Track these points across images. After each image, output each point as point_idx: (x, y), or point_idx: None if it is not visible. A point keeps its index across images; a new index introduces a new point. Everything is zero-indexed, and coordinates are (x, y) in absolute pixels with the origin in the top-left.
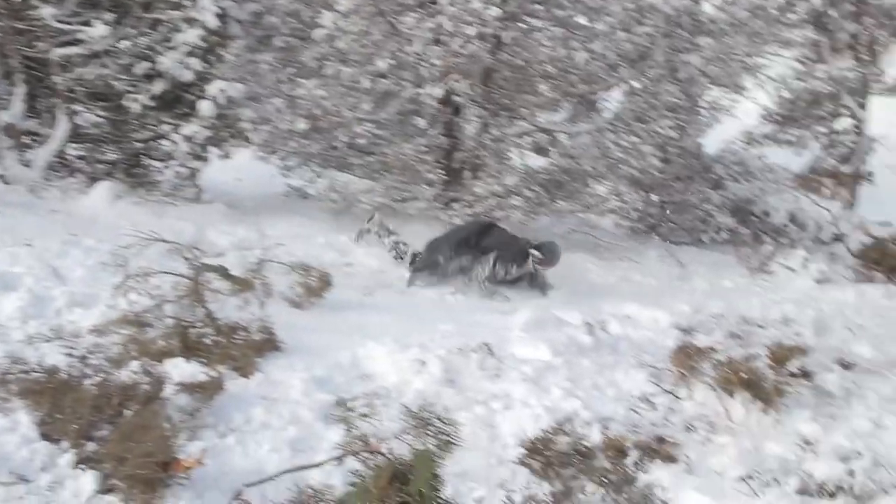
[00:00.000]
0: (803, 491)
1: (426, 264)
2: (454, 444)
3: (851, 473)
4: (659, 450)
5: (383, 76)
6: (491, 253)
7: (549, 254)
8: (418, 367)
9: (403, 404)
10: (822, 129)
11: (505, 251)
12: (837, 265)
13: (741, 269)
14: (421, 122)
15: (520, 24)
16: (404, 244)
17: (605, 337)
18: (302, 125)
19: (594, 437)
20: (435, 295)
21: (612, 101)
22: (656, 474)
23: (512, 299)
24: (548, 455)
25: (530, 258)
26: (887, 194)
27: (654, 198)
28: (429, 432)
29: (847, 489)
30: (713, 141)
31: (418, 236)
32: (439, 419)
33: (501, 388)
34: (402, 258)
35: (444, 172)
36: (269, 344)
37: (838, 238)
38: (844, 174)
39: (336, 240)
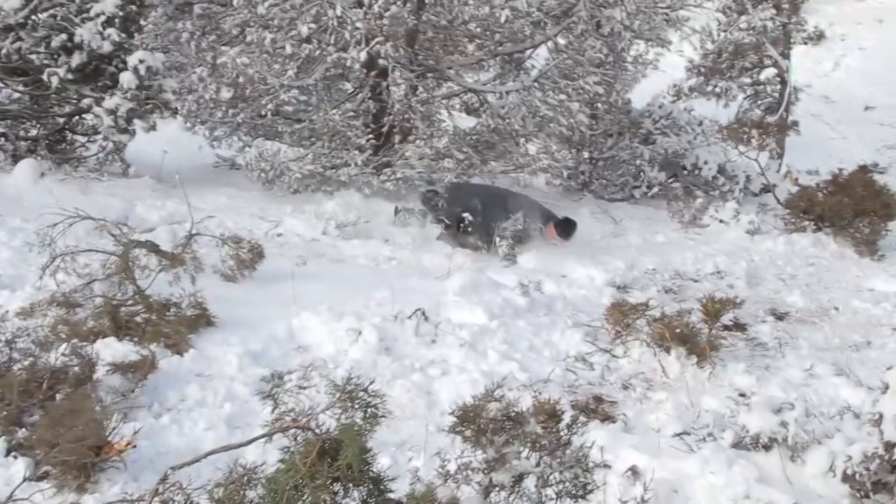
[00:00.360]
0: (738, 444)
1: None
2: (381, 416)
3: (784, 425)
4: (597, 409)
5: (307, 41)
6: (518, 212)
7: (567, 230)
8: (354, 337)
9: (330, 378)
10: (747, 81)
11: (531, 213)
12: (768, 216)
13: (674, 223)
14: (348, 87)
15: None
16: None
17: (540, 297)
18: (227, 94)
19: (526, 401)
20: (369, 261)
21: (539, 58)
22: (594, 434)
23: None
24: (479, 423)
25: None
26: (814, 142)
27: (585, 155)
28: (356, 405)
29: (781, 441)
30: (641, 96)
31: (351, 206)
32: (365, 391)
33: (438, 353)
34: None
35: (373, 137)
36: (202, 319)
37: (767, 188)
38: (771, 124)
39: (267, 209)
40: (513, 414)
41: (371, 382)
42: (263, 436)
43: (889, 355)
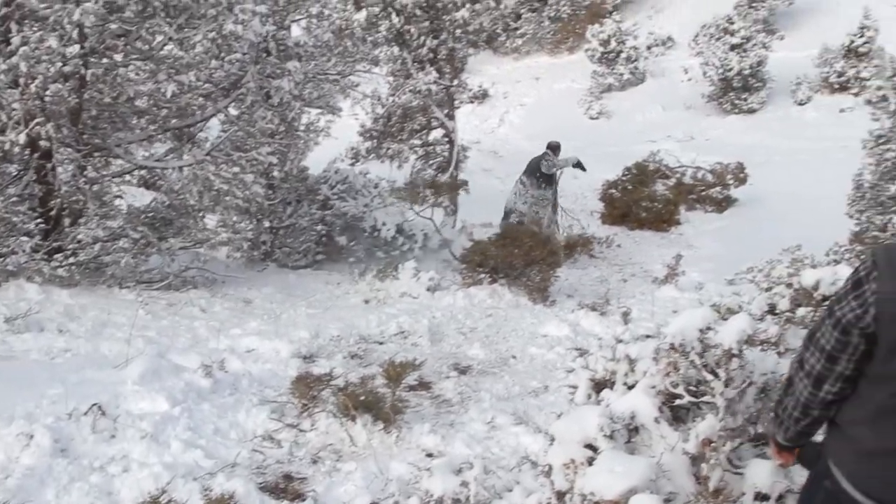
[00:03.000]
0: None
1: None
2: None
3: (465, 485)
4: (286, 489)
5: None
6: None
7: None
8: (25, 441)
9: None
10: (418, 142)
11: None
12: (447, 271)
13: (358, 286)
14: (12, 170)
15: (103, 60)
16: None
17: (224, 376)
18: None
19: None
20: (42, 356)
21: (214, 130)
22: None
23: None
24: None
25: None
26: (486, 196)
27: (266, 224)
28: None
29: (464, 501)
30: (318, 162)
31: (21, 296)
32: None
33: (119, 449)
34: None
35: (42, 221)
36: None
37: (444, 245)
38: (443, 183)
39: None
40: None
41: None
42: None
43: (564, 398)
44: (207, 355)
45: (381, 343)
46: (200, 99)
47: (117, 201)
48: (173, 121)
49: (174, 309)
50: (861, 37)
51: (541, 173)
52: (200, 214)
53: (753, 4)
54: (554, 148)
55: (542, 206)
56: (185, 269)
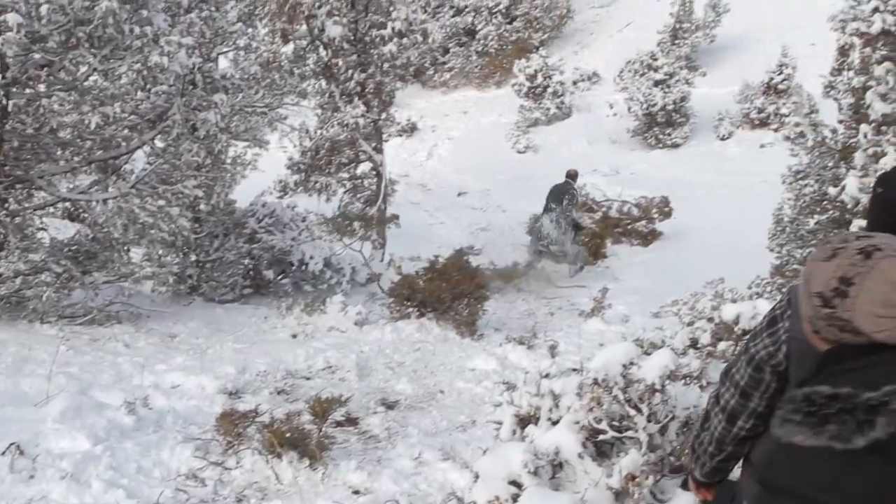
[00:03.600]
0: None
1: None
2: None
3: None
4: None
5: None
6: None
7: None
8: None
9: None
10: (346, 175)
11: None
12: (375, 305)
13: (285, 320)
14: None
15: (26, 91)
16: None
17: (148, 413)
18: None
19: None
20: None
21: (140, 162)
22: None
23: None
24: None
25: None
26: (415, 229)
27: (192, 258)
28: None
29: None
30: (246, 195)
31: None
32: None
33: (38, 490)
34: None
35: None
36: None
37: (372, 279)
38: (371, 216)
39: None
40: None
41: None
42: None
43: (491, 433)
44: (131, 392)
45: (308, 378)
46: (126, 131)
47: (40, 234)
48: (98, 152)
49: (97, 344)
50: (780, 74)
51: (567, 200)
52: (125, 248)
53: (676, 41)
54: (572, 176)
55: (567, 231)
56: (109, 303)
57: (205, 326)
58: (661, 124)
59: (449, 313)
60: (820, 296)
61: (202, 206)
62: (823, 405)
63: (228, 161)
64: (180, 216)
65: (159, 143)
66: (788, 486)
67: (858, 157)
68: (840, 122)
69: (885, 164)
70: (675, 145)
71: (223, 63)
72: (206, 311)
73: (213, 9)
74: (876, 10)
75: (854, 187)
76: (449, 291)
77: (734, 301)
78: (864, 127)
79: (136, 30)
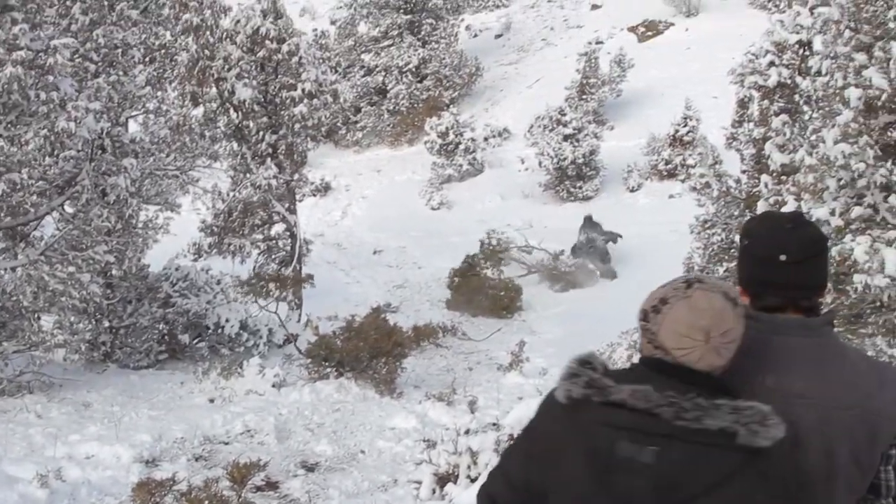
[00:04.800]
0: None
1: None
2: None
3: None
4: None
5: None
6: None
7: None
8: None
9: None
10: (260, 237)
11: None
12: (293, 366)
13: (201, 385)
14: None
15: None
16: None
17: (62, 486)
18: None
19: None
20: None
21: (50, 228)
22: None
23: None
24: None
25: None
26: (332, 288)
27: (106, 324)
28: None
29: None
30: (159, 258)
31: None
32: None
33: None
34: None
35: None
36: None
37: (289, 340)
38: (286, 277)
39: None
40: None
41: None
42: None
43: (412, 492)
44: (44, 464)
45: (226, 443)
46: (34, 197)
47: None
48: (6, 219)
49: (7, 416)
50: (685, 126)
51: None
52: (35, 316)
53: (584, 97)
54: (588, 218)
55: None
56: (20, 373)
57: (120, 394)
58: (571, 178)
59: (368, 372)
60: (643, 311)
61: (114, 272)
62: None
63: (140, 225)
64: (92, 282)
65: (69, 209)
66: None
67: (761, 206)
68: (743, 171)
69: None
70: (587, 198)
71: (133, 127)
72: (121, 378)
73: (120, 73)
74: (772, 63)
75: None
76: (367, 350)
77: None
78: (764, 177)
79: (43, 95)
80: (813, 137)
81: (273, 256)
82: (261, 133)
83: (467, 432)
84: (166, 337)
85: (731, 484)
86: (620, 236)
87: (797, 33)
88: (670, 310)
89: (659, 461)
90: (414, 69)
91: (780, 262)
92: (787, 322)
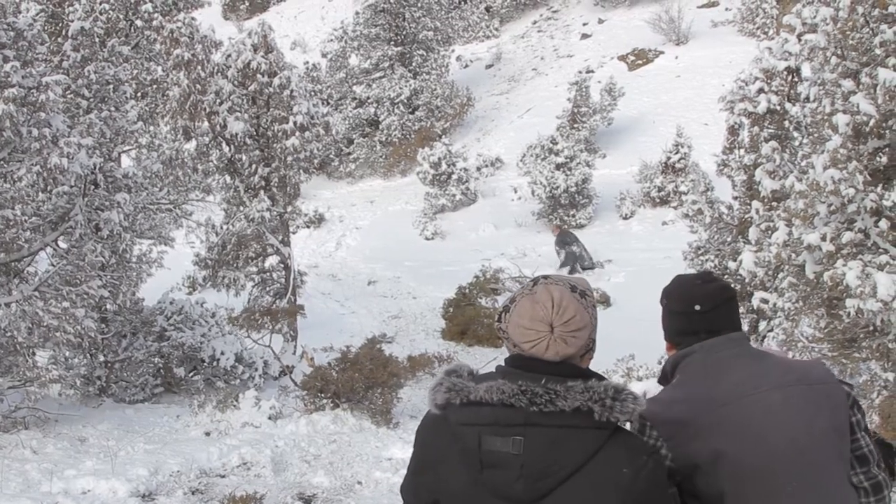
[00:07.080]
0: None
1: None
2: None
3: None
4: None
5: None
6: None
7: None
8: None
9: None
10: (254, 269)
11: None
12: (289, 398)
13: (197, 418)
14: None
15: None
16: None
17: None
18: None
19: None
20: None
21: (43, 264)
22: None
23: None
24: None
25: None
26: (326, 319)
27: (101, 358)
28: None
29: None
30: (154, 292)
31: None
32: None
33: None
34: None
35: None
36: None
37: (285, 372)
38: (280, 310)
39: None
40: None
41: None
42: None
43: None
44: (40, 500)
45: (222, 476)
46: (27, 232)
47: None
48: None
49: (3, 452)
50: (676, 153)
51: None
52: (30, 351)
53: (575, 125)
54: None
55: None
56: (15, 409)
57: (115, 428)
58: (564, 206)
59: (364, 403)
60: (498, 314)
61: (108, 306)
62: None
63: (134, 259)
64: (86, 317)
65: (62, 244)
66: None
67: (752, 233)
68: (735, 198)
69: (777, 239)
70: (580, 226)
71: (125, 161)
72: (117, 413)
73: (112, 109)
74: (761, 90)
75: (750, 262)
76: (363, 381)
77: (639, 379)
78: (755, 203)
79: (35, 132)
80: (803, 163)
81: (267, 289)
82: (253, 166)
83: None
84: (162, 370)
85: (597, 462)
86: (602, 265)
87: (785, 60)
88: (515, 307)
89: (524, 450)
90: (405, 100)
91: (695, 312)
92: (715, 343)
